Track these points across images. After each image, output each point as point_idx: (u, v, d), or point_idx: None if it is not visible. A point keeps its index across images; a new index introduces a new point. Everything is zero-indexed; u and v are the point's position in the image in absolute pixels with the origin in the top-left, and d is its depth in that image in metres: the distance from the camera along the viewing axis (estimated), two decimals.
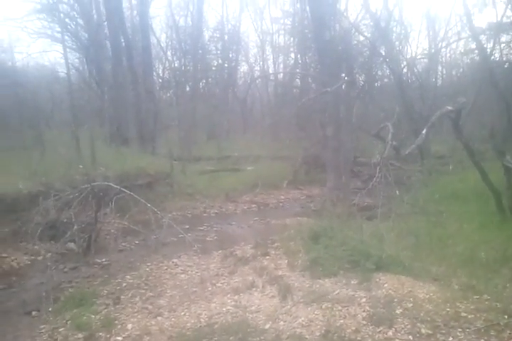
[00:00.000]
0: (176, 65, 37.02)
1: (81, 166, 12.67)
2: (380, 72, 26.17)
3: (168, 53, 37.37)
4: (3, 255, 10.41)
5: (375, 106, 23.15)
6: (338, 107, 14.85)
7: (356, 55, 21.44)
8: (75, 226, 9.65)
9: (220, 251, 10.24)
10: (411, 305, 6.67)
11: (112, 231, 11.66)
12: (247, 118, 36.72)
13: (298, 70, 29.09)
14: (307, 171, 20.96)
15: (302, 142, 22.11)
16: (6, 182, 12.36)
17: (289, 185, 19.69)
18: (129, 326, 6.83)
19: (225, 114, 32.31)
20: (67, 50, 26.71)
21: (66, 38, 28.42)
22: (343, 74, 18.40)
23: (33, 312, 7.70)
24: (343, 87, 16.60)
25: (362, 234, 9.22)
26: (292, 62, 33.75)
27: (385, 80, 27.10)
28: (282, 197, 18.14)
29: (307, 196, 18.21)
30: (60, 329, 6.89)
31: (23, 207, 11.03)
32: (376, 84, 26.68)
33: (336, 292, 7.27)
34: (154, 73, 32.40)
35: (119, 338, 6.55)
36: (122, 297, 7.88)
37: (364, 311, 6.57)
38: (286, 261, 8.89)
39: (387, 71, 24.76)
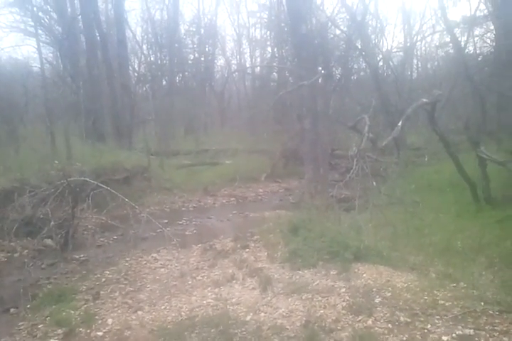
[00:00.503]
0: (152, 58, 36.69)
1: (56, 162, 12.54)
2: (356, 66, 26.32)
3: (144, 47, 36.99)
4: None
5: (352, 99, 23.29)
6: (315, 100, 14.86)
7: (333, 49, 21.55)
8: (52, 222, 9.54)
9: (199, 245, 10.23)
10: (389, 294, 6.76)
11: (90, 226, 11.59)
12: (225, 112, 36.64)
13: (275, 64, 29.06)
14: (285, 164, 21.06)
15: (280, 135, 22.18)
16: None
17: (267, 178, 19.76)
18: (110, 321, 6.79)
19: (202, 107, 32.16)
20: (41, 44, 26.18)
21: (39, 31, 27.82)
22: (320, 68, 18.47)
23: (11, 310, 7.58)
24: (320, 80, 16.68)
25: (340, 226, 9.32)
26: (269, 55, 33.78)
27: (362, 73, 27.25)
28: (261, 190, 18.18)
29: (286, 189, 18.30)
30: (40, 326, 6.82)
31: None
32: (352, 78, 26.85)
33: (316, 283, 7.34)
34: (130, 67, 32.02)
35: (100, 333, 6.50)
36: (102, 292, 7.82)
37: (344, 301, 6.63)
38: (266, 253, 8.93)
39: (364, 64, 24.90)
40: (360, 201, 10.04)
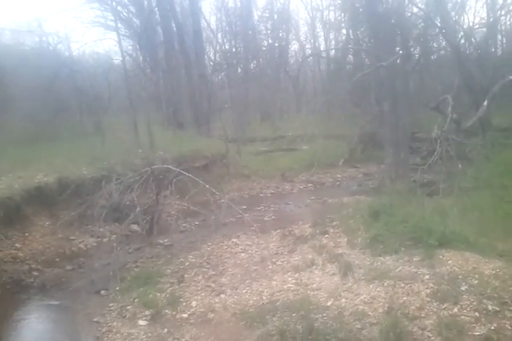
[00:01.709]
0: (227, 47, 36.99)
1: (140, 150, 12.99)
2: (435, 44, 25.18)
3: (219, 36, 37.35)
4: (71, 237, 10.90)
5: (432, 80, 22.39)
6: (393, 82, 14.41)
7: (410, 28, 20.70)
8: (138, 209, 9.97)
9: (278, 231, 10.29)
10: (476, 281, 6.48)
11: (173, 212, 11.98)
12: (300, 97, 36.38)
13: (350, 46, 28.41)
14: (363, 149, 20.66)
15: (357, 119, 21.72)
16: (70, 169, 12.85)
17: (345, 164, 19.51)
18: (194, 303, 7.04)
19: (277, 93, 32.15)
20: (121, 37, 27.16)
21: (119, 25, 28.81)
22: (398, 48, 17.83)
23: (102, 291, 8.07)
24: (398, 60, 16.11)
25: (423, 211, 9.02)
26: (344, 37, 33.02)
27: (442, 52, 26.03)
28: (339, 175, 18.00)
29: (364, 174, 18.00)
30: (128, 307, 7.19)
31: (87, 191, 11.44)
32: (432, 57, 25.73)
33: (398, 269, 7.17)
34: (206, 56, 32.52)
35: (185, 315, 6.76)
36: (186, 275, 8.10)
37: (427, 288, 6.45)
38: (346, 239, 8.83)
39: (444, 42, 23.74)
40: (445, 185, 9.68)
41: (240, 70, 34.47)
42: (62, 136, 19.31)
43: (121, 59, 22.89)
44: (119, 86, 28.21)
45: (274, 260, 8.40)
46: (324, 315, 6.04)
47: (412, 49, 21.37)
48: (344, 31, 32.86)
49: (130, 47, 33.19)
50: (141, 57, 30.64)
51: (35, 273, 8.95)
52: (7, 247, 9.53)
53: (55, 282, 8.64)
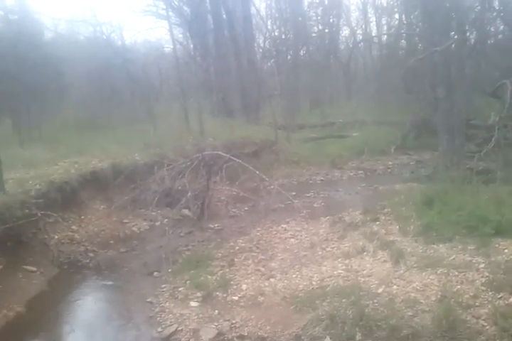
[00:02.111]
0: (277, 33, 36.73)
1: (191, 137, 13.15)
2: (493, 28, 24.15)
3: (268, 22, 37.10)
4: (125, 221, 11.22)
5: (489, 65, 21.50)
6: (448, 67, 13.94)
7: (466, 11, 19.91)
8: (189, 194, 10.13)
9: (328, 217, 10.22)
10: None
11: (223, 198, 12.10)
12: (351, 83, 35.84)
13: (403, 31, 27.74)
14: (416, 136, 20.15)
15: (410, 106, 21.24)
16: (123, 155, 13.18)
17: (397, 151, 19.12)
18: (244, 286, 7.13)
19: (327, 80, 31.79)
20: (172, 25, 27.42)
21: (170, 14, 29.07)
22: (453, 33, 17.23)
23: (155, 273, 8.30)
24: (453, 46, 15.58)
25: (479, 199, 8.75)
26: (397, 22, 32.30)
27: (499, 36, 24.97)
28: (390, 162, 17.69)
29: (417, 161, 17.61)
30: (180, 289, 7.35)
31: (140, 176, 11.73)
32: (489, 41, 24.71)
33: (452, 257, 7.01)
34: (255, 43, 32.41)
35: (235, 298, 6.86)
36: (236, 259, 8.19)
37: (482, 277, 6.28)
38: (398, 226, 8.67)
39: (502, 26, 22.78)
40: (502, 173, 9.34)
41: (289, 57, 34.18)
42: (115, 123, 19.81)
43: (172, 47, 23.18)
44: (170, 74, 28.65)
45: (323, 246, 8.37)
46: (375, 301, 5.98)
47: (467, 33, 20.58)
48: (397, 16, 32.21)
49: (181, 36, 33.50)
50: (191, 45, 30.86)
51: (91, 255, 9.29)
52: (64, 229, 9.91)
53: (110, 263, 8.94)
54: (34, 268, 8.28)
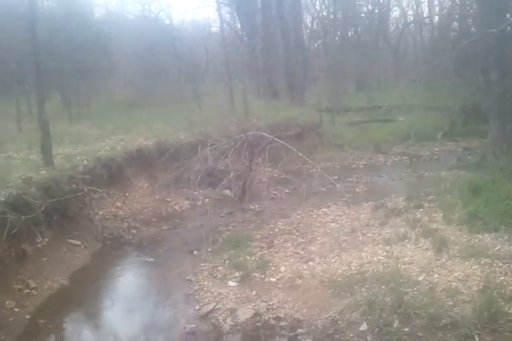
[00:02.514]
0: (325, 13, 36.10)
1: (235, 117, 13.15)
2: None
3: (317, 2, 36.49)
4: (168, 199, 11.41)
5: None
6: (503, 50, 13.35)
7: None
8: (231, 174, 10.16)
9: (370, 203, 10.10)
10: None
11: (264, 179, 12.11)
12: (400, 66, 34.92)
13: (456, 12, 26.72)
14: (465, 122, 19.54)
15: (460, 90, 20.51)
16: (168, 133, 13.34)
17: (444, 137, 18.63)
18: (282, 269, 7.15)
19: (375, 62, 31.03)
20: (220, 5, 27.28)
21: None
22: (508, 14, 16.48)
23: (195, 252, 8.42)
24: (509, 28, 14.91)
25: None
26: (449, 3, 31.11)
27: None
28: (437, 149, 17.27)
29: (464, 148, 17.12)
30: (219, 268, 7.45)
31: (184, 155, 11.86)
32: None
33: (497, 248, 6.83)
34: (303, 23, 31.90)
35: (273, 279, 6.90)
36: (275, 241, 8.22)
37: None
38: (442, 214, 8.48)
39: None
40: None
41: (337, 38, 33.59)
42: (161, 102, 20.02)
43: (219, 26, 23.18)
44: (216, 53, 28.63)
45: (364, 231, 8.28)
46: (415, 289, 5.91)
47: None
48: None
49: (228, 15, 33.29)
50: (238, 25, 30.65)
51: (134, 231, 9.50)
52: (109, 205, 10.16)
53: (152, 240, 9.14)
54: (78, 242, 8.55)
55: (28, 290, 6.76)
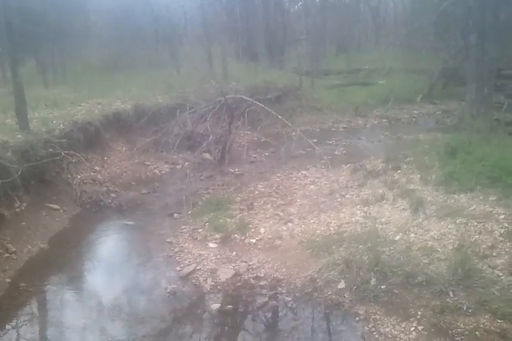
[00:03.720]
0: None
1: (214, 80, 12.99)
2: None
3: None
4: (147, 163, 11.35)
5: None
6: (483, 13, 13.28)
7: None
8: (211, 137, 10.11)
9: (348, 165, 10.16)
10: None
11: (244, 143, 12.08)
12: (380, 28, 34.59)
13: None
14: (444, 84, 19.64)
15: (440, 53, 20.49)
16: (146, 97, 13.14)
17: (423, 100, 18.72)
18: (262, 230, 7.24)
19: (355, 25, 30.75)
20: None
21: None
22: None
23: (175, 215, 8.45)
24: None
25: (504, 150, 8.56)
26: None
27: None
28: (415, 111, 17.35)
29: (443, 111, 17.23)
30: (199, 230, 7.50)
31: (162, 119, 11.72)
32: None
33: (472, 207, 6.95)
34: None
35: (253, 240, 6.99)
36: (255, 204, 8.27)
37: (502, 227, 6.24)
38: (419, 175, 8.57)
39: None
40: None
41: (317, 0, 33.03)
42: (138, 65, 19.62)
43: None
44: (194, 15, 27.94)
45: (343, 193, 8.37)
46: (391, 248, 6.04)
47: None
48: None
49: None
50: None
51: (113, 195, 9.45)
52: (87, 170, 10.06)
53: (131, 204, 9.12)
54: (57, 207, 8.50)
55: (8, 255, 6.73)
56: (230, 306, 5.58)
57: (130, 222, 8.31)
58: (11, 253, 6.77)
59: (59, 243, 7.46)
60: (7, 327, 5.38)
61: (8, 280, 6.27)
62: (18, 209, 7.63)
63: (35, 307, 6.03)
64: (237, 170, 10.56)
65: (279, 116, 9.83)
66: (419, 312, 4.97)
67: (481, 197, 7.24)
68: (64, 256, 7.07)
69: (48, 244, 7.36)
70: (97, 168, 10.36)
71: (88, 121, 10.60)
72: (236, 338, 5.23)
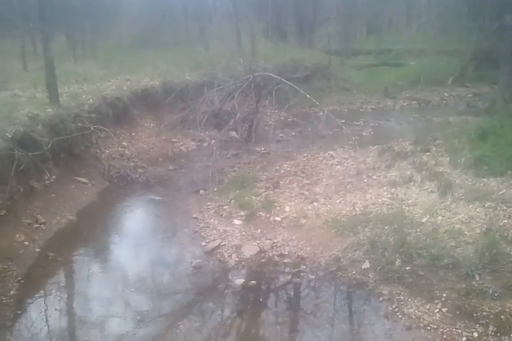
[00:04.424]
0: None
1: (242, 58, 12.91)
2: None
3: None
4: (174, 140, 11.41)
5: None
6: None
7: None
8: (238, 116, 10.08)
9: (376, 146, 10.05)
10: None
11: (270, 122, 12.01)
12: (412, 8, 33.73)
13: None
14: (476, 67, 19.10)
15: (473, 34, 19.94)
16: (174, 74, 13.14)
17: (454, 82, 18.31)
18: (287, 208, 7.24)
19: (387, 4, 30.01)
20: None
21: None
22: None
23: (201, 191, 8.52)
24: None
25: None
26: None
27: None
28: (446, 94, 17.00)
29: (474, 94, 16.85)
30: (225, 207, 7.54)
31: (190, 96, 11.68)
32: None
33: (502, 191, 6.84)
34: None
35: (278, 218, 7.00)
36: (281, 182, 8.26)
37: None
38: (448, 158, 8.45)
39: None
40: None
41: None
42: (167, 42, 19.60)
43: None
44: None
45: (370, 174, 8.30)
46: (418, 230, 5.99)
47: None
48: None
49: None
50: None
51: (140, 170, 9.55)
52: (115, 145, 10.16)
53: (158, 179, 9.23)
54: (86, 180, 8.64)
55: (38, 225, 6.90)
56: (254, 282, 5.65)
57: (156, 197, 8.42)
58: (40, 224, 6.94)
59: (87, 215, 7.60)
60: (36, 295, 5.54)
61: (38, 249, 6.43)
62: (47, 182, 7.78)
63: (63, 277, 6.20)
64: (263, 148, 10.54)
65: (308, 95, 9.74)
66: (444, 295, 4.95)
67: (511, 182, 7.12)
68: (91, 229, 7.21)
69: (76, 216, 7.51)
70: (124, 143, 10.45)
71: (117, 96, 10.68)
72: (259, 313, 5.29)
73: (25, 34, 16.05)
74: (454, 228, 5.98)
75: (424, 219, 6.28)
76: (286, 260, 6.04)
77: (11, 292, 5.41)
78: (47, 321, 5.04)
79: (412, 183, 7.56)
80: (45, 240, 6.68)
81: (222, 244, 6.43)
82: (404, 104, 15.78)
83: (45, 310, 5.24)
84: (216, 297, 5.55)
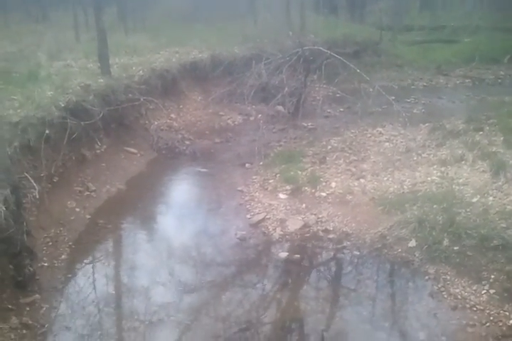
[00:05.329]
0: None
1: (291, 32, 12.72)
2: None
3: None
4: (221, 113, 11.44)
5: None
6: None
7: None
8: (285, 90, 9.99)
9: (427, 124, 9.75)
10: None
11: (318, 97, 11.83)
12: None
13: None
14: None
15: None
16: (223, 47, 13.08)
17: (510, 60, 17.49)
18: (333, 184, 7.19)
19: None
20: None
21: None
22: None
23: (246, 165, 8.57)
24: None
25: None
26: None
27: None
28: (502, 73, 16.27)
29: None
30: (270, 181, 7.57)
31: (237, 70, 11.64)
32: None
33: None
34: None
35: (323, 194, 6.97)
36: (327, 158, 8.18)
37: None
38: (502, 138, 8.14)
39: None
40: None
41: None
42: (216, 15, 19.46)
43: None
44: None
45: (419, 152, 8.10)
46: (468, 210, 5.85)
47: None
48: None
49: None
50: None
51: (187, 143, 9.66)
52: (163, 116, 10.28)
53: (205, 152, 9.33)
54: (135, 151, 8.82)
55: (88, 193, 7.12)
56: (298, 256, 5.68)
57: (203, 169, 8.51)
58: (91, 192, 7.16)
59: (135, 185, 7.79)
60: (85, 260, 5.76)
61: (88, 216, 6.65)
62: (98, 151, 8.00)
63: (111, 244, 6.41)
64: (310, 124, 10.41)
65: (358, 70, 9.54)
66: (492, 276, 4.86)
67: None
68: (139, 198, 7.39)
69: (125, 185, 7.71)
70: (173, 115, 10.56)
71: (166, 68, 10.75)
72: (301, 287, 5.34)
73: (77, 5, 16.24)
74: (505, 209, 5.82)
75: (475, 200, 6.13)
76: (331, 235, 6.04)
77: (62, 256, 5.64)
78: (94, 286, 5.23)
79: (463, 162, 7.36)
80: (95, 207, 6.91)
81: (267, 217, 6.48)
82: (458, 81, 15.24)
83: (94, 275, 5.44)
84: (259, 269, 5.63)
